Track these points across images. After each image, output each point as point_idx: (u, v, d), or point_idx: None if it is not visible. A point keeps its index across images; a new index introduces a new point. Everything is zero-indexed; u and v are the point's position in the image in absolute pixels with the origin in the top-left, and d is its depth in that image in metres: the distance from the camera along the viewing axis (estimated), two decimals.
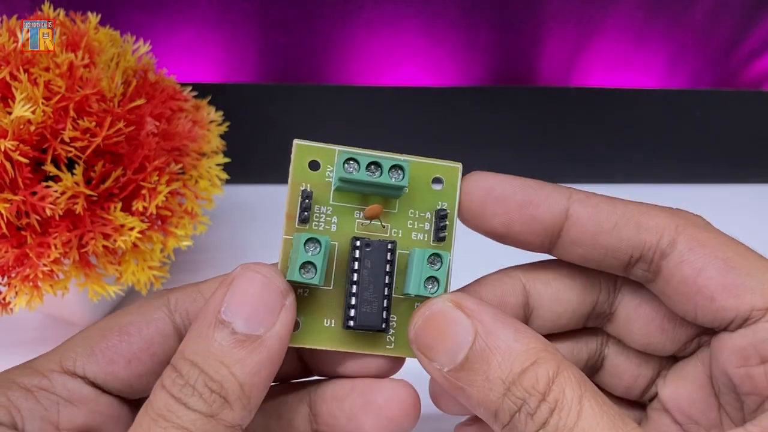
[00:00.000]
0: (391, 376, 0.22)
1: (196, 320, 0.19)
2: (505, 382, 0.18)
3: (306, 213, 0.21)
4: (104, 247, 0.30)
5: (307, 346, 0.21)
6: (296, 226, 0.21)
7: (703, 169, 0.51)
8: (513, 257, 0.24)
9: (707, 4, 0.45)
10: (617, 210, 0.21)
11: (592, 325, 0.24)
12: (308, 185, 0.21)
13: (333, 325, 0.21)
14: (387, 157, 0.21)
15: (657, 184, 0.51)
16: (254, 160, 0.46)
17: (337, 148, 0.21)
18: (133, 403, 0.22)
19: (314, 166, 0.21)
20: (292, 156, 0.21)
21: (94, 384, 0.20)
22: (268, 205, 0.46)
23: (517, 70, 0.49)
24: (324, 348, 0.21)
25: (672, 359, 0.24)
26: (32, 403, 0.19)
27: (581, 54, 0.48)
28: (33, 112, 0.27)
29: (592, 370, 0.25)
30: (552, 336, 0.23)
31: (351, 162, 0.20)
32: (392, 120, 0.47)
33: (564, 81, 0.49)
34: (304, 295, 0.21)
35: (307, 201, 0.20)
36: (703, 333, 0.22)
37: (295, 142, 0.21)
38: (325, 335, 0.21)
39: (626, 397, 0.24)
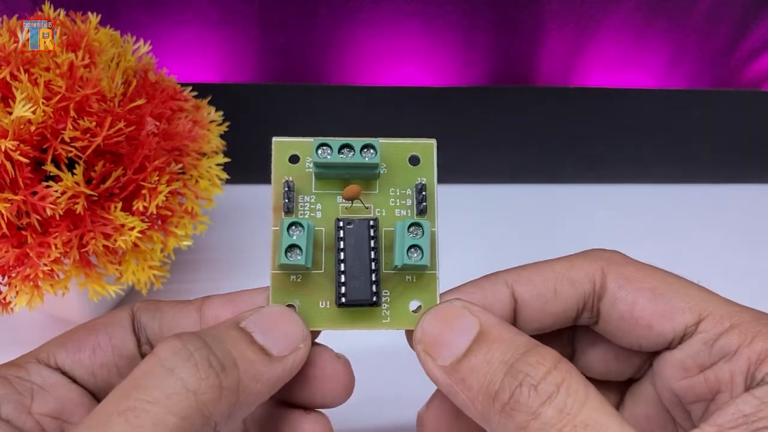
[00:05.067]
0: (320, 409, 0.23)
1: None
2: (508, 363, 0.19)
3: (289, 202, 0.22)
4: (104, 246, 0.30)
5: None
6: (282, 216, 0.22)
7: (703, 169, 0.51)
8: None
9: (707, 4, 0.45)
10: (548, 275, 0.22)
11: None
12: (290, 177, 0.22)
13: (328, 306, 0.22)
14: (358, 139, 0.22)
15: (657, 184, 0.51)
16: (254, 160, 0.46)
17: (312, 139, 0.22)
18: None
19: (294, 159, 0.22)
20: (273, 153, 0.22)
21: (63, 372, 0.22)
22: (268, 205, 0.46)
23: (516, 70, 0.49)
24: (322, 329, 0.22)
25: (629, 381, 0.25)
26: (8, 389, 0.20)
27: (581, 54, 0.48)
28: (33, 112, 0.27)
29: None
30: None
31: (324, 147, 0.22)
32: (392, 120, 0.47)
33: (564, 81, 0.49)
34: (297, 280, 0.22)
35: (288, 191, 0.22)
36: (654, 355, 0.23)
37: (274, 139, 0.22)
38: (322, 316, 0.22)
39: None
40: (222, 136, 0.37)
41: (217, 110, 0.37)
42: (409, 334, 0.22)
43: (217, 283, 0.41)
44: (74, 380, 0.22)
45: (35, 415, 0.20)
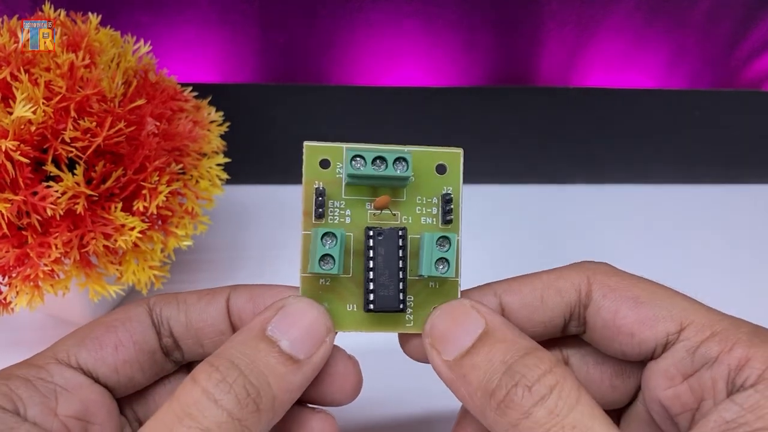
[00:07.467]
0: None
1: (238, 332, 0.21)
2: (507, 363, 0.20)
3: (321, 209, 0.22)
4: (105, 246, 0.30)
5: (335, 331, 0.22)
6: (313, 221, 0.22)
7: (703, 169, 0.51)
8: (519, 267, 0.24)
9: (707, 4, 0.45)
10: (536, 285, 0.23)
11: None
12: (321, 183, 0.23)
13: (355, 309, 0.23)
14: (391, 151, 0.22)
15: (657, 184, 0.51)
16: (254, 160, 0.46)
17: (344, 145, 0.23)
18: (119, 401, 0.23)
19: (325, 164, 0.23)
20: (304, 157, 0.23)
21: (84, 372, 0.22)
22: (268, 205, 0.46)
23: (516, 70, 0.49)
24: (349, 331, 0.23)
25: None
26: (32, 391, 0.20)
27: (581, 54, 0.48)
28: (34, 113, 0.27)
29: None
30: None
31: (358, 159, 0.22)
32: (392, 120, 0.47)
33: (564, 81, 0.49)
34: (326, 284, 0.23)
35: (320, 198, 0.22)
36: (642, 368, 0.23)
37: (305, 143, 0.23)
38: (350, 319, 0.23)
39: None
40: (222, 136, 0.37)
41: (217, 110, 0.37)
42: (405, 337, 0.23)
43: (217, 283, 0.41)
44: (95, 379, 0.22)
45: (61, 417, 0.21)
